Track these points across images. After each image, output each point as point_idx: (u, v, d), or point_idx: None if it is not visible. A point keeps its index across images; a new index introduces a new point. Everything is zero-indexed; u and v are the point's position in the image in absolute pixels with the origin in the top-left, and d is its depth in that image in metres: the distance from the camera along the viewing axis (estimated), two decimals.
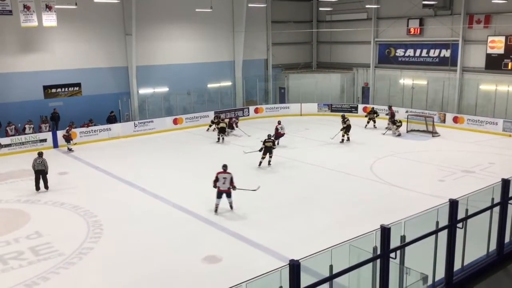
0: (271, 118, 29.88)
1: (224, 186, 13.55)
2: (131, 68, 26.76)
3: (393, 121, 24.83)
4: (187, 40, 29.18)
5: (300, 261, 4.68)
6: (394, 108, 26.90)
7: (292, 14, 34.40)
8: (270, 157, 18.96)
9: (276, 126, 22.20)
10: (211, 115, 28.84)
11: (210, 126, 26.53)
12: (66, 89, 25.16)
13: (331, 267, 5.12)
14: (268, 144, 18.83)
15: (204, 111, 28.81)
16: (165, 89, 28.39)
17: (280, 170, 18.67)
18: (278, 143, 21.49)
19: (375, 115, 26.67)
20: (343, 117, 23.52)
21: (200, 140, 24.57)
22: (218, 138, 23.84)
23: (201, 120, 28.32)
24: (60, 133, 23.02)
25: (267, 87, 33.58)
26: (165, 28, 28.11)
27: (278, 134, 21.86)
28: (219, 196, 13.69)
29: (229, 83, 31.49)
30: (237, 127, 25.90)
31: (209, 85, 30.42)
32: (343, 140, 22.83)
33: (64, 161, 20.80)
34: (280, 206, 14.63)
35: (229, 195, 13.78)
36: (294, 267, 4.39)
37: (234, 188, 13.70)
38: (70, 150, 22.31)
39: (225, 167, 13.80)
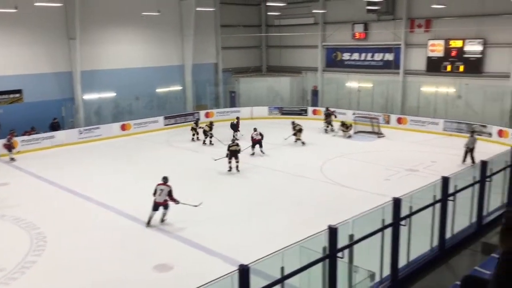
0: (223, 122, 29.86)
1: (160, 198, 13.21)
2: (75, 73, 25.85)
3: (342, 124, 25.46)
4: (134, 44, 28.59)
5: (251, 264, 4.67)
6: (341, 111, 27.60)
7: (241, 18, 34.53)
8: (237, 162, 18.74)
9: (251, 134, 21.72)
10: (161, 120, 28.41)
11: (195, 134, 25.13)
12: (7, 96, 23.97)
13: (282, 269, 5.14)
14: (233, 149, 18.67)
15: (153, 116, 28.32)
16: (112, 94, 27.63)
17: (232, 174, 18.63)
18: (262, 152, 21.32)
19: (330, 118, 26.99)
20: (293, 123, 23.98)
21: (150, 147, 24.10)
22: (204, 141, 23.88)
23: (150, 125, 27.81)
24: (0, 142, 21.88)
25: (218, 91, 33.48)
26: (111, 32, 27.42)
27: (254, 141, 21.50)
28: (154, 208, 13.25)
29: (178, 88, 31.13)
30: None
31: (158, 90, 29.93)
32: (296, 140, 23.43)
33: (5, 171, 19.81)
34: (233, 210, 14.60)
35: (166, 207, 13.36)
36: (244, 272, 4.37)
37: (176, 202, 13.35)
38: (12, 159, 21.27)
39: (165, 179, 13.50)
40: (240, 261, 5.23)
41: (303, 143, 23.26)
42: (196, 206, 13.74)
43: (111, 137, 25.84)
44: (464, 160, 18.87)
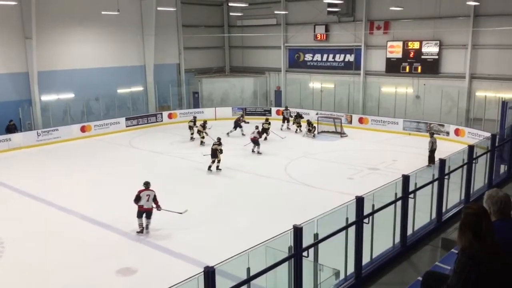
0: (187, 123, 29.59)
1: (148, 204, 12.54)
2: (31, 74, 24.98)
3: (309, 123, 25.76)
4: (93, 44, 27.87)
5: (217, 266, 4.63)
6: (305, 111, 28.00)
7: (203, 18, 34.32)
8: (218, 161, 18.62)
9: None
10: (122, 121, 27.86)
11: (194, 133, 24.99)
12: None
13: (248, 269, 5.12)
14: (214, 147, 18.55)
15: (114, 118, 27.73)
16: (70, 95, 26.86)
17: (196, 175, 18.49)
18: (253, 151, 21.75)
19: (300, 118, 27.19)
20: (266, 120, 25.23)
21: (111, 149, 23.61)
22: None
23: (112, 127, 27.23)
24: None
25: (181, 92, 33.15)
26: (69, 31, 26.63)
27: (253, 139, 21.80)
28: (140, 215, 12.53)
29: (140, 88, 30.61)
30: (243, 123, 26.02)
31: (119, 91, 29.32)
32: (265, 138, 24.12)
33: None
34: (198, 212, 14.46)
35: (149, 215, 12.63)
36: (209, 274, 4.33)
37: (159, 208, 12.74)
38: None
39: (147, 184, 12.79)
40: (205, 262, 5.18)
41: (265, 138, 24.15)
42: (181, 213, 13.18)
43: (71, 139, 25.14)
44: (432, 162, 18.03)
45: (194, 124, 25.01)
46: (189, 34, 32.69)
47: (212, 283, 4.37)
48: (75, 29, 26.89)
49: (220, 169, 18.77)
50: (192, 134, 24.91)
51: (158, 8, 28.68)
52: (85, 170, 19.50)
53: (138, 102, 30.56)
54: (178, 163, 20.42)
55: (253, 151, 21.70)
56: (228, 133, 25.02)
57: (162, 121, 29.85)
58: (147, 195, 12.63)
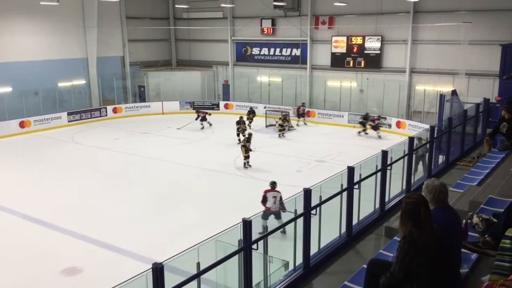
0: (132, 117, 28.99)
1: (275, 206, 11.44)
2: None
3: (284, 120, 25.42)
4: (32, 36, 26.50)
5: (166, 262, 4.57)
6: (253, 104, 28.14)
7: (148, 10, 33.51)
8: (245, 158, 18.40)
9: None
10: (64, 116, 26.82)
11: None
12: None
13: (198, 264, 5.10)
14: (242, 144, 18.45)
15: (55, 112, 26.62)
16: (7, 89, 25.46)
17: (143, 170, 18.13)
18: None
19: (253, 115, 26.93)
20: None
21: (52, 145, 22.67)
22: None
23: (53, 122, 26.13)
24: None
25: (126, 85, 32.29)
26: (5, 22, 25.20)
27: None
28: (266, 217, 10.90)
29: (82, 82, 29.51)
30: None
31: (60, 84, 28.12)
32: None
33: None
34: (146, 207, 14.22)
35: (278, 216, 10.99)
36: (158, 270, 4.26)
37: (284, 209, 10.17)
38: None
39: (273, 184, 12.06)
40: (153, 259, 5.10)
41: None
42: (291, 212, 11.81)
43: (9, 135, 23.93)
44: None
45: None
46: (133, 26, 31.86)
47: (161, 279, 4.32)
48: (12, 20, 25.51)
49: (246, 166, 18.30)
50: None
51: None
52: (24, 167, 18.64)
53: (81, 96, 29.46)
54: (124, 158, 19.95)
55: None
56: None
57: (106, 115, 28.99)
58: (273, 196, 11.85)
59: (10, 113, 25.16)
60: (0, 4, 24.72)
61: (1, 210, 14.00)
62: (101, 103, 29.97)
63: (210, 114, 26.17)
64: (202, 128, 25.36)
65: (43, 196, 15.17)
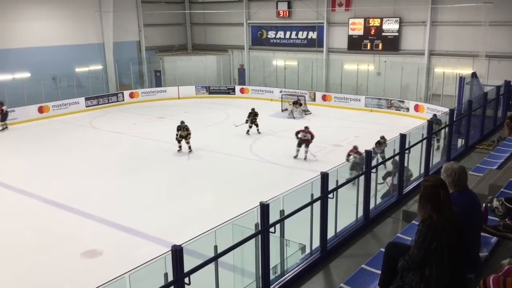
0: (149, 102, 29.19)
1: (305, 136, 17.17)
2: None
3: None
4: (48, 21, 26.71)
5: (184, 245, 4.62)
6: (269, 88, 27.90)
7: None
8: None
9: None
10: (82, 101, 27.09)
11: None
12: None
13: (215, 247, 5.15)
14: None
15: (73, 98, 26.90)
16: (26, 74, 25.79)
17: (160, 154, 18.29)
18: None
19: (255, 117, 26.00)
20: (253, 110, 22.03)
21: (71, 130, 22.96)
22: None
23: (71, 107, 26.43)
24: None
25: (142, 70, 32.41)
26: (23, 7, 25.41)
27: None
28: (299, 145, 17.40)
29: (99, 67, 29.70)
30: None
31: (77, 70, 28.35)
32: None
33: None
34: (163, 190, 14.37)
35: (307, 145, 17.20)
36: (177, 252, 4.32)
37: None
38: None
39: (306, 128, 17.48)
40: (171, 242, 5.16)
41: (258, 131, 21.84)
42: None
43: (28, 120, 24.32)
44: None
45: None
46: (148, 10, 31.83)
47: (180, 261, 4.37)
48: (29, 6, 25.71)
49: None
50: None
51: None
52: (44, 152, 18.96)
53: (98, 81, 29.68)
54: (141, 143, 20.13)
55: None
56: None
57: (123, 100, 29.19)
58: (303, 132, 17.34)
59: (28, 98, 25.47)
60: None
61: (21, 193, 14.29)
62: (117, 88, 30.16)
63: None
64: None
65: (62, 180, 15.43)
